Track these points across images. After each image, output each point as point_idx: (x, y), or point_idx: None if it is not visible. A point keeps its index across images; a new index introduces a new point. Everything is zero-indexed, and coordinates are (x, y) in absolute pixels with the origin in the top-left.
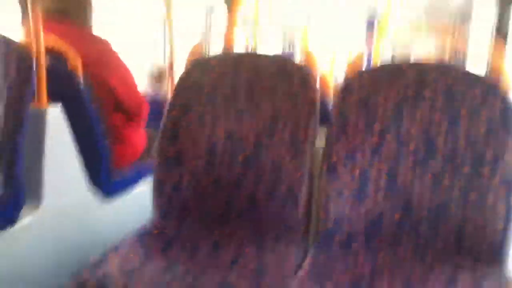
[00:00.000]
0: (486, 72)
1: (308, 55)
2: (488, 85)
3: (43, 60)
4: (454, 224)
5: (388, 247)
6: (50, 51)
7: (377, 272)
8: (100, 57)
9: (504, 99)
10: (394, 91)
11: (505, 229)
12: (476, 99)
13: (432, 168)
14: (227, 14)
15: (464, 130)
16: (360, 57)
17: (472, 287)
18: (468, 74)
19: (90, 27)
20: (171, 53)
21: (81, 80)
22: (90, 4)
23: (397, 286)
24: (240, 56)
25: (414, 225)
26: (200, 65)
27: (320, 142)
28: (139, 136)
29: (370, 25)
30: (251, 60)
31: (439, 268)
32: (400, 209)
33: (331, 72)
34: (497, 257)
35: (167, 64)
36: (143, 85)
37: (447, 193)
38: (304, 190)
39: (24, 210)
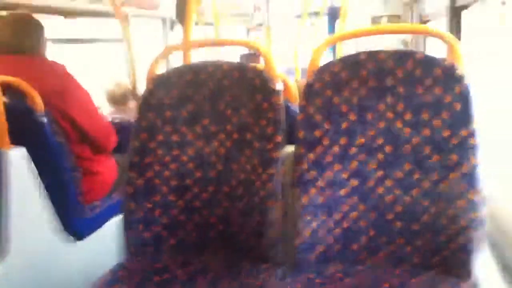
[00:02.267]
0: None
1: (267, 58)
2: (445, 68)
3: (1, 100)
4: (428, 233)
5: (365, 260)
6: (6, 89)
7: None
8: (59, 87)
9: (462, 79)
10: (356, 85)
11: (476, 238)
12: (436, 83)
13: (401, 168)
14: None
15: (428, 124)
16: (317, 53)
17: None
18: (426, 58)
19: (44, 55)
20: (133, 73)
21: (43, 116)
22: (43, 35)
23: None
24: (201, 67)
25: (389, 236)
26: (161, 82)
27: (291, 148)
28: (108, 167)
29: (331, 18)
30: (212, 70)
31: (417, 283)
32: (373, 217)
33: (297, 71)
34: (470, 267)
35: (130, 85)
36: (106, 108)
37: (418, 199)
38: (277, 204)
39: None
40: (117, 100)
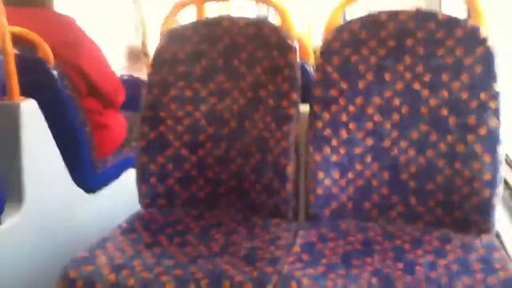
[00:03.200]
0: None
1: (284, 16)
2: (468, 29)
3: (11, 51)
4: (441, 193)
5: (377, 218)
6: (17, 41)
7: (368, 244)
8: (69, 38)
9: (485, 42)
10: (375, 44)
11: (491, 197)
12: (458, 46)
13: (417, 129)
14: None
15: (447, 86)
16: (336, 11)
17: (461, 256)
18: (449, 19)
19: (52, 7)
20: (143, 30)
21: (53, 68)
22: None
23: (388, 258)
24: (216, 22)
25: (402, 195)
26: (175, 37)
27: (305, 108)
28: (118, 121)
29: None
30: (227, 25)
31: (429, 239)
32: (387, 176)
33: (308, 33)
34: (484, 226)
35: (140, 42)
36: (117, 68)
37: (433, 160)
38: (291, 161)
39: (5, 212)
40: (136, 55)
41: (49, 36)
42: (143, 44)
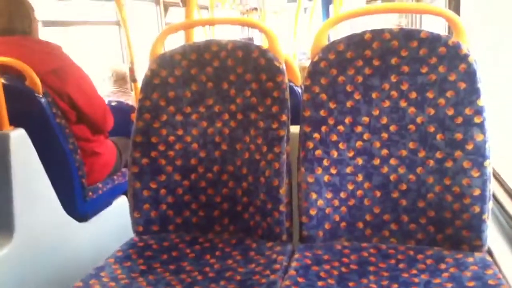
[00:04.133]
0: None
1: (271, 38)
2: (450, 46)
3: None
4: (433, 211)
5: (371, 237)
6: (4, 71)
7: (363, 265)
8: (56, 66)
9: (467, 58)
10: (361, 64)
11: (481, 213)
12: (441, 63)
13: (406, 146)
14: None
15: (433, 102)
16: (321, 33)
17: (455, 274)
18: (431, 36)
19: (37, 35)
20: (131, 55)
21: (41, 97)
22: (34, 16)
23: (384, 279)
24: (204, 46)
25: (394, 214)
26: (164, 61)
27: (295, 129)
28: (107, 148)
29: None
30: (216, 49)
31: (423, 258)
32: (378, 195)
33: (294, 54)
34: (476, 242)
35: (128, 68)
36: (104, 93)
37: (423, 177)
38: (283, 183)
39: None
40: (121, 79)
41: (36, 64)
42: (131, 70)
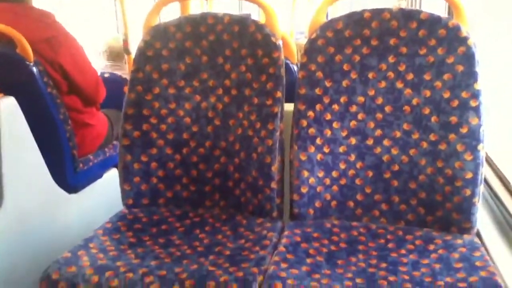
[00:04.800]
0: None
1: (269, 14)
2: (450, 28)
3: None
4: (424, 192)
5: (361, 217)
6: None
7: (353, 244)
8: (48, 35)
9: (466, 41)
10: (358, 43)
11: (472, 196)
12: (440, 45)
13: (400, 128)
14: None
15: (430, 85)
16: (320, 10)
17: (444, 255)
18: (431, 17)
19: (31, 2)
20: (125, 27)
21: (32, 65)
22: None
23: (372, 258)
24: (200, 18)
25: (385, 194)
26: (158, 33)
27: (289, 106)
28: (99, 120)
29: None
30: (212, 23)
31: (412, 238)
32: (371, 175)
33: (291, 31)
34: (466, 225)
35: (121, 40)
36: (97, 65)
37: (416, 158)
38: (275, 160)
39: None
40: (116, 55)
41: (28, 32)
42: (125, 41)
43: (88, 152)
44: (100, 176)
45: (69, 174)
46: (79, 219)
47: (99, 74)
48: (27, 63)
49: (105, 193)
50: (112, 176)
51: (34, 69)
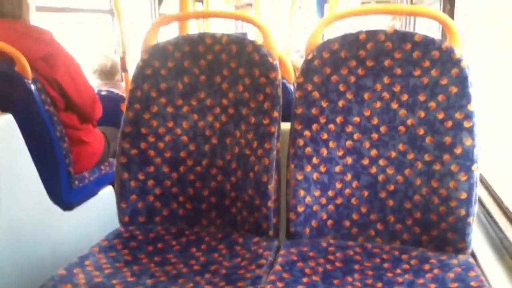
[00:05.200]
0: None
1: (265, 34)
2: (443, 50)
3: None
4: (419, 212)
5: (357, 236)
6: None
7: (348, 263)
8: (46, 52)
9: (460, 62)
10: (354, 64)
11: (467, 216)
12: (434, 67)
13: (395, 148)
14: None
15: (424, 105)
16: (317, 31)
17: (439, 275)
18: (424, 39)
19: (28, 20)
20: (123, 45)
21: (30, 82)
22: (26, 1)
23: (368, 278)
24: (198, 38)
25: (381, 214)
26: (157, 52)
27: (286, 126)
28: (95, 137)
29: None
30: (210, 42)
31: (407, 258)
32: (366, 194)
33: (287, 51)
34: (460, 245)
35: (119, 57)
36: (95, 82)
37: (411, 178)
38: (272, 179)
39: None
40: (107, 73)
41: (26, 49)
42: (122, 59)
43: (84, 169)
44: (96, 193)
45: (65, 191)
46: (74, 236)
47: (96, 91)
48: (25, 80)
49: (100, 211)
50: (107, 193)
51: (32, 87)
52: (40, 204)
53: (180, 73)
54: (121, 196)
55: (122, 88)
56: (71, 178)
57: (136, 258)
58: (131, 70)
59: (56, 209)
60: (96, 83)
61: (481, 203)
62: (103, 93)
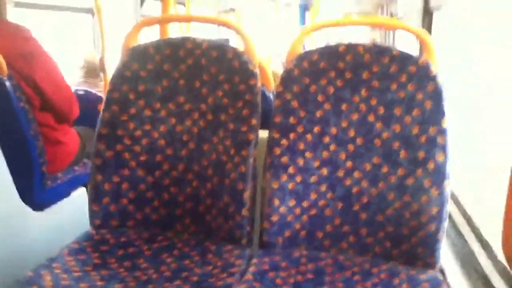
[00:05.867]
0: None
1: (247, 42)
2: (420, 65)
3: None
4: (391, 226)
5: (329, 248)
6: None
7: (319, 275)
8: (23, 49)
9: (435, 78)
10: (333, 75)
11: (437, 231)
12: (410, 80)
13: (370, 160)
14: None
15: (399, 120)
16: (298, 41)
17: None
18: (402, 55)
19: (6, 17)
20: (102, 45)
21: (5, 79)
22: None
23: None
24: (179, 42)
25: (353, 226)
26: (137, 54)
27: (263, 133)
28: (71, 137)
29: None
30: (191, 47)
31: (377, 271)
32: (340, 206)
33: (268, 58)
34: (430, 260)
35: (98, 57)
36: (72, 82)
37: (384, 192)
38: (248, 187)
39: None
40: (93, 71)
41: (3, 46)
42: (101, 60)
43: (58, 170)
44: (68, 194)
45: (37, 191)
46: (44, 237)
47: (73, 90)
48: (0, 77)
49: (72, 212)
50: (80, 195)
51: (7, 83)
52: (9, 203)
53: (160, 76)
54: (94, 198)
55: (100, 88)
56: (45, 178)
57: (106, 262)
58: (110, 71)
59: (26, 209)
60: (75, 81)
61: (450, 219)
62: (80, 92)
